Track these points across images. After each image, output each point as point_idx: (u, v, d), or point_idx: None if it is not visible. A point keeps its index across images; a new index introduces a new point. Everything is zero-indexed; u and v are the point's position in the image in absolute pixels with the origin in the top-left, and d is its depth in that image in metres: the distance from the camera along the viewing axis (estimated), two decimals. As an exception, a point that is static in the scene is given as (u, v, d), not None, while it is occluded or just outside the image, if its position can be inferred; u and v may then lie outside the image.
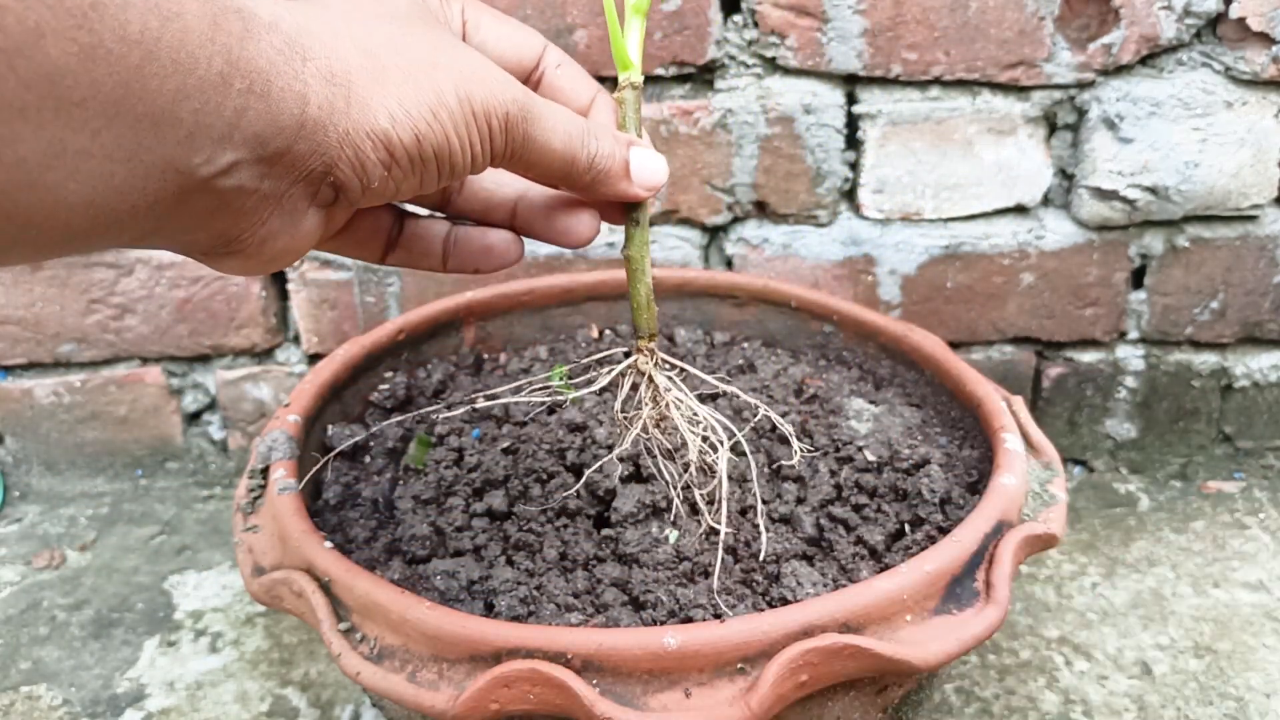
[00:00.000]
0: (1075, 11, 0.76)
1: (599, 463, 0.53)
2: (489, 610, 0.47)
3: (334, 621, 0.44)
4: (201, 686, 0.68)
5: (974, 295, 0.85)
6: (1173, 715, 0.63)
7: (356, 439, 0.61)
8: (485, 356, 0.72)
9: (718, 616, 0.46)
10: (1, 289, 0.85)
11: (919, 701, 0.64)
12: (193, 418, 0.92)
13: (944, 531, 0.51)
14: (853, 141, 0.81)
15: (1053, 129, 0.80)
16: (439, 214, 0.44)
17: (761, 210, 0.83)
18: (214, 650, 0.71)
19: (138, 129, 0.26)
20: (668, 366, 0.48)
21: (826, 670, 0.40)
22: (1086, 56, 0.76)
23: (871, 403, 0.64)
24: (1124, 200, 0.80)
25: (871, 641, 0.41)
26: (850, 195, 0.83)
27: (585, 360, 0.70)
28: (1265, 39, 0.74)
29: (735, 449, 0.58)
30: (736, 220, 0.84)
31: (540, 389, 0.57)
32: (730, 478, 0.56)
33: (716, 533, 0.50)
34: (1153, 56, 0.76)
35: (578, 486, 0.53)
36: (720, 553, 0.48)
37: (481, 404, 0.62)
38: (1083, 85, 0.78)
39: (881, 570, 0.50)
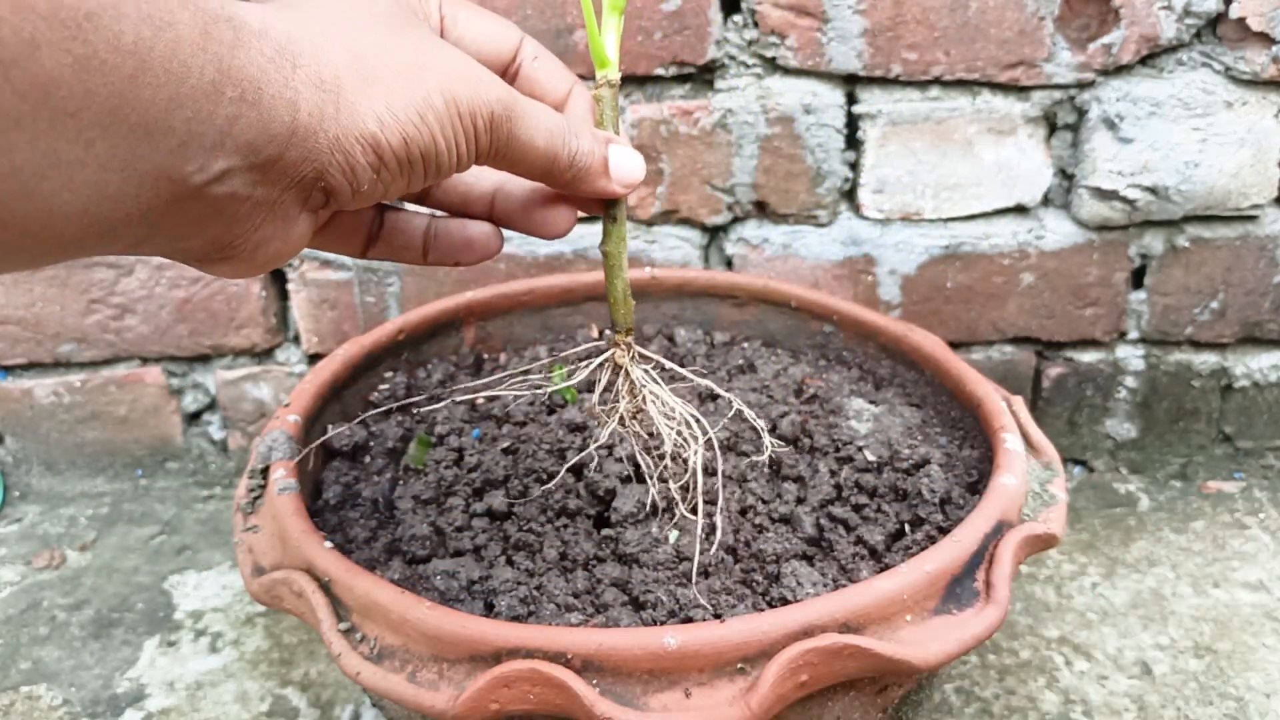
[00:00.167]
0: (1075, 11, 0.76)
1: (579, 455, 0.53)
2: (489, 610, 0.47)
3: (334, 621, 0.44)
4: (201, 686, 0.68)
5: (974, 295, 0.85)
6: (1173, 715, 0.63)
7: (356, 439, 0.61)
8: (485, 356, 0.72)
9: (718, 616, 0.46)
10: (1, 289, 0.85)
11: (919, 701, 0.64)
12: (193, 418, 0.92)
13: (944, 531, 0.51)
14: (853, 141, 0.81)
15: (1053, 129, 0.80)
16: (418, 208, 0.45)
17: (761, 210, 0.83)
18: (214, 650, 0.71)
19: (131, 138, 0.26)
20: (645, 361, 0.48)
21: (826, 670, 0.40)
22: (1086, 56, 0.76)
23: (871, 403, 0.64)
24: (1124, 200, 0.80)
25: (871, 641, 0.41)
26: (850, 195, 0.83)
27: (574, 351, 0.70)
28: (1265, 39, 0.74)
29: (719, 444, 0.58)
30: (736, 220, 0.84)
31: (519, 382, 0.58)
32: (731, 477, 0.56)
33: (714, 531, 0.50)
34: (1153, 56, 0.76)
35: (560, 481, 0.53)
36: (698, 549, 0.48)
37: (460, 399, 0.62)
38: (1083, 85, 0.78)
39: (881, 570, 0.50)
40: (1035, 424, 0.59)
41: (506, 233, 0.45)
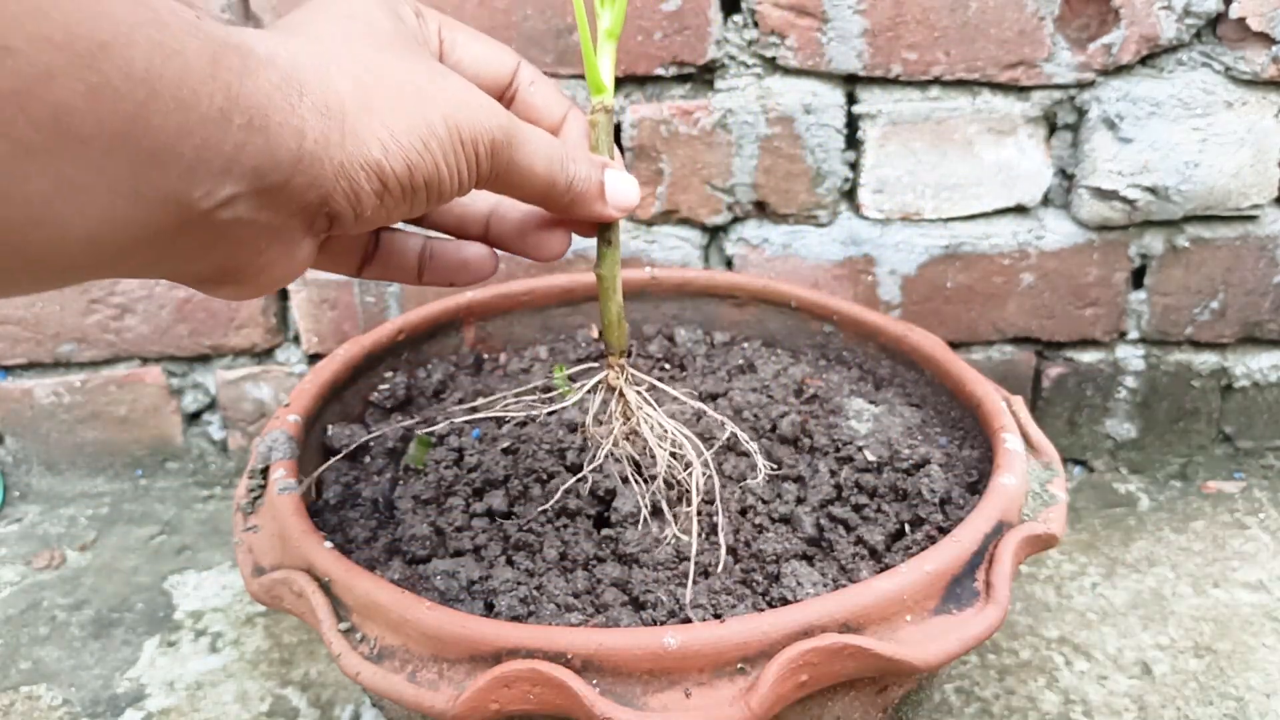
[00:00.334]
0: (1075, 11, 0.76)
1: (576, 477, 0.53)
2: (489, 610, 0.47)
3: (334, 621, 0.44)
4: (201, 686, 0.68)
5: (974, 295, 0.85)
6: (1173, 715, 0.63)
7: (357, 439, 0.61)
8: (485, 356, 0.72)
9: (718, 616, 0.46)
10: (1, 289, 0.85)
11: (919, 701, 0.64)
12: (193, 418, 0.92)
13: (944, 531, 0.51)
14: (853, 141, 0.81)
15: (1053, 129, 0.80)
16: (414, 228, 0.45)
17: (761, 210, 0.83)
18: (214, 650, 0.71)
19: (141, 164, 0.26)
20: (638, 383, 0.49)
21: (826, 670, 0.40)
22: (1086, 56, 0.76)
23: (871, 403, 0.64)
24: (1124, 200, 0.80)
25: (871, 641, 0.41)
26: (850, 195, 0.83)
27: (582, 360, 0.70)
28: (1265, 39, 0.74)
29: (729, 449, 0.58)
30: (736, 220, 0.84)
31: (518, 402, 0.58)
32: (731, 477, 0.56)
33: (715, 532, 0.50)
34: (1153, 56, 0.76)
35: (571, 485, 0.53)
36: (693, 569, 0.48)
37: (460, 420, 0.62)
38: (1083, 85, 0.78)
39: (881, 570, 0.50)
40: (1035, 424, 0.59)
41: None
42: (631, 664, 0.40)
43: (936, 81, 0.78)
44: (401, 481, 0.58)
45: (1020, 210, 0.82)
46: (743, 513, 0.53)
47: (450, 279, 0.44)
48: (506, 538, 0.52)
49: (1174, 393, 0.88)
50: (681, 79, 0.79)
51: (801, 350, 0.73)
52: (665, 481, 0.50)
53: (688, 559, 0.49)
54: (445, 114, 0.34)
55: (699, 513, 0.49)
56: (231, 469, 0.93)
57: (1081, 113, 0.79)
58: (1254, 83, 0.76)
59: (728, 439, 0.58)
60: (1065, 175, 0.81)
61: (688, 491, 0.48)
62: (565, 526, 0.52)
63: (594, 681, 0.40)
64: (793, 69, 0.78)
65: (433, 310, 0.70)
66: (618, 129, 0.80)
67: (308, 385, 0.61)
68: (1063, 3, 0.75)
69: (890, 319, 0.70)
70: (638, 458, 0.50)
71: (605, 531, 0.51)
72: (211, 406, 0.91)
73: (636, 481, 0.52)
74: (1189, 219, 0.82)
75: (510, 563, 0.50)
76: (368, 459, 0.61)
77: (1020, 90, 0.78)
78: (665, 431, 0.48)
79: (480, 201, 0.44)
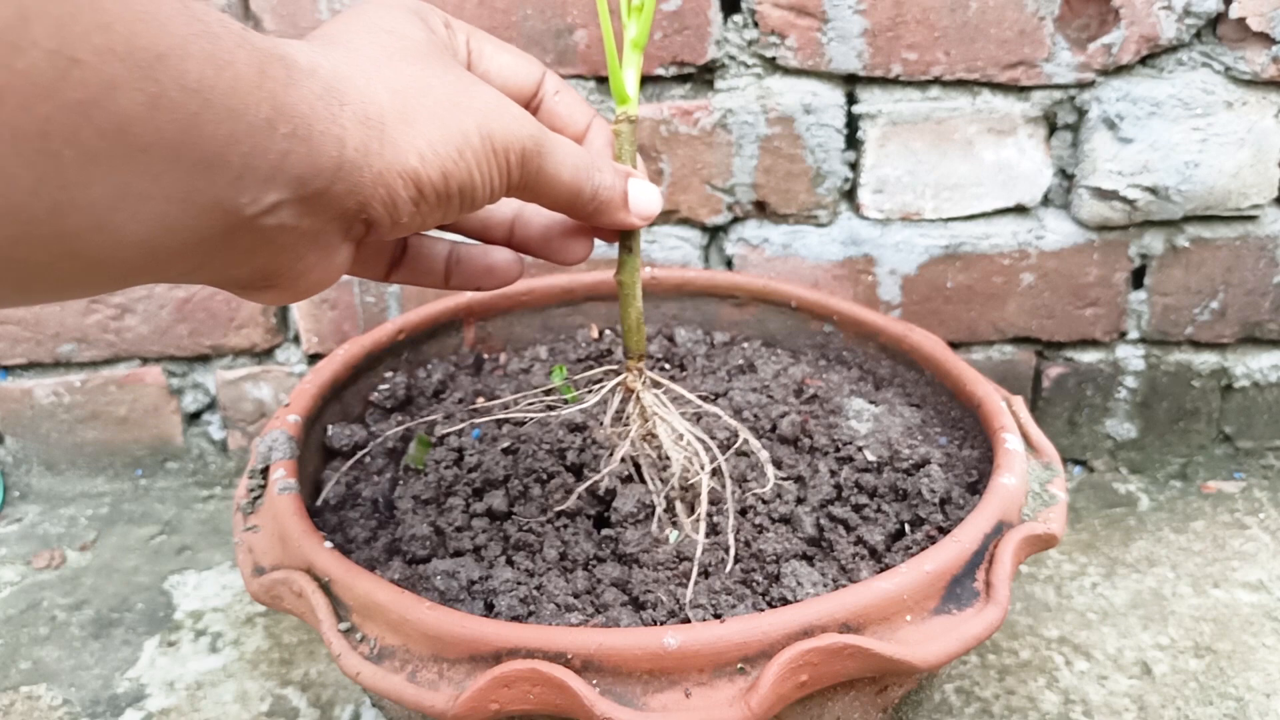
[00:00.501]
0: (1075, 11, 0.76)
1: (594, 478, 0.53)
2: (489, 610, 0.47)
3: (334, 621, 0.44)
4: (201, 686, 0.68)
5: (974, 295, 0.85)
6: (1173, 715, 0.63)
7: (357, 439, 0.61)
8: (485, 356, 0.72)
9: (718, 616, 0.46)
10: (1, 289, 0.85)
11: (919, 701, 0.64)
12: (193, 418, 0.92)
13: (944, 531, 0.51)
14: (853, 141, 0.81)
15: (1053, 129, 0.80)
16: (440, 233, 0.45)
17: (761, 210, 0.83)
18: (214, 650, 0.71)
19: (193, 172, 0.27)
20: (656, 385, 0.50)
21: (826, 670, 0.40)
22: (1086, 56, 0.76)
23: (871, 403, 0.64)
24: (1124, 200, 0.80)
25: (871, 641, 0.41)
26: (850, 195, 0.83)
27: (582, 360, 0.70)
28: (1265, 39, 0.74)
29: (733, 451, 0.58)
30: (736, 220, 0.84)
31: (532, 402, 0.58)
32: (731, 477, 0.56)
33: (717, 533, 0.51)
34: (1153, 56, 0.76)
35: (581, 490, 0.53)
36: (695, 569, 0.48)
37: (481, 420, 0.62)
38: (1083, 85, 0.78)
39: (881, 570, 0.50)
40: (1035, 424, 0.59)
41: None
42: (631, 664, 0.40)
43: (936, 81, 0.78)
44: (401, 481, 0.58)
45: (1020, 210, 0.82)
46: (743, 513, 0.53)
47: (477, 283, 0.46)
48: (506, 538, 0.52)
49: (1174, 393, 0.88)
50: (681, 79, 0.79)
51: (801, 350, 0.73)
52: (680, 485, 0.51)
53: (687, 559, 0.49)
54: (479, 123, 0.35)
55: (703, 513, 0.49)
56: (231, 469, 0.93)
57: (1081, 113, 0.79)
58: (1254, 83, 0.76)
59: (729, 439, 0.58)
60: (1065, 175, 0.81)
61: (698, 494, 0.49)
62: (565, 526, 0.52)
63: (594, 681, 0.40)
64: (793, 69, 0.78)
65: (433, 310, 0.70)
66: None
67: (308, 385, 0.61)
68: (1063, 3, 0.75)
69: (890, 319, 0.70)
70: (642, 459, 0.51)
71: (605, 531, 0.51)
72: (211, 406, 0.91)
73: (641, 482, 0.52)
74: (1189, 219, 0.82)
75: (510, 563, 0.50)
76: (368, 459, 0.61)
77: (1020, 90, 0.78)
78: (680, 435, 0.49)
79: (505, 207, 0.45)
